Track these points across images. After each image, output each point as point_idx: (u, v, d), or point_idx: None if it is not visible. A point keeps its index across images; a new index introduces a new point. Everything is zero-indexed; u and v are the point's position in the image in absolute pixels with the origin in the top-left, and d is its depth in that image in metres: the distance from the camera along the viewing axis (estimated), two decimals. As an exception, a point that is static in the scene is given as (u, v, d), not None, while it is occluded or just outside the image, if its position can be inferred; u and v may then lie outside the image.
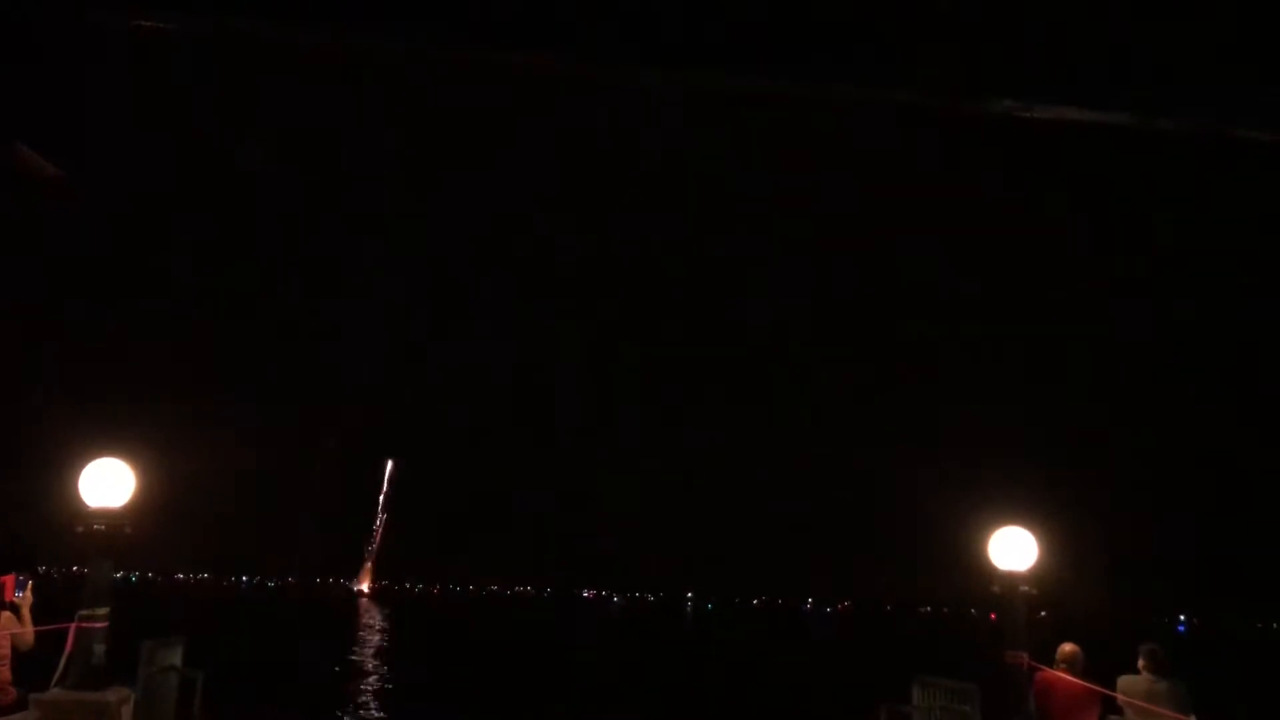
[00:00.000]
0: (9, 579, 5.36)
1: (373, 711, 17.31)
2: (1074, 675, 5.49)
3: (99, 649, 4.99)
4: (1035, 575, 5.32)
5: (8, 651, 5.29)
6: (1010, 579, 5.29)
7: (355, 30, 3.78)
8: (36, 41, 3.99)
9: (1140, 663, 5.52)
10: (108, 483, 5.26)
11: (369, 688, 21.06)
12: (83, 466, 5.24)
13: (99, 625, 5.04)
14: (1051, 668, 5.55)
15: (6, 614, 5.37)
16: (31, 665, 5.33)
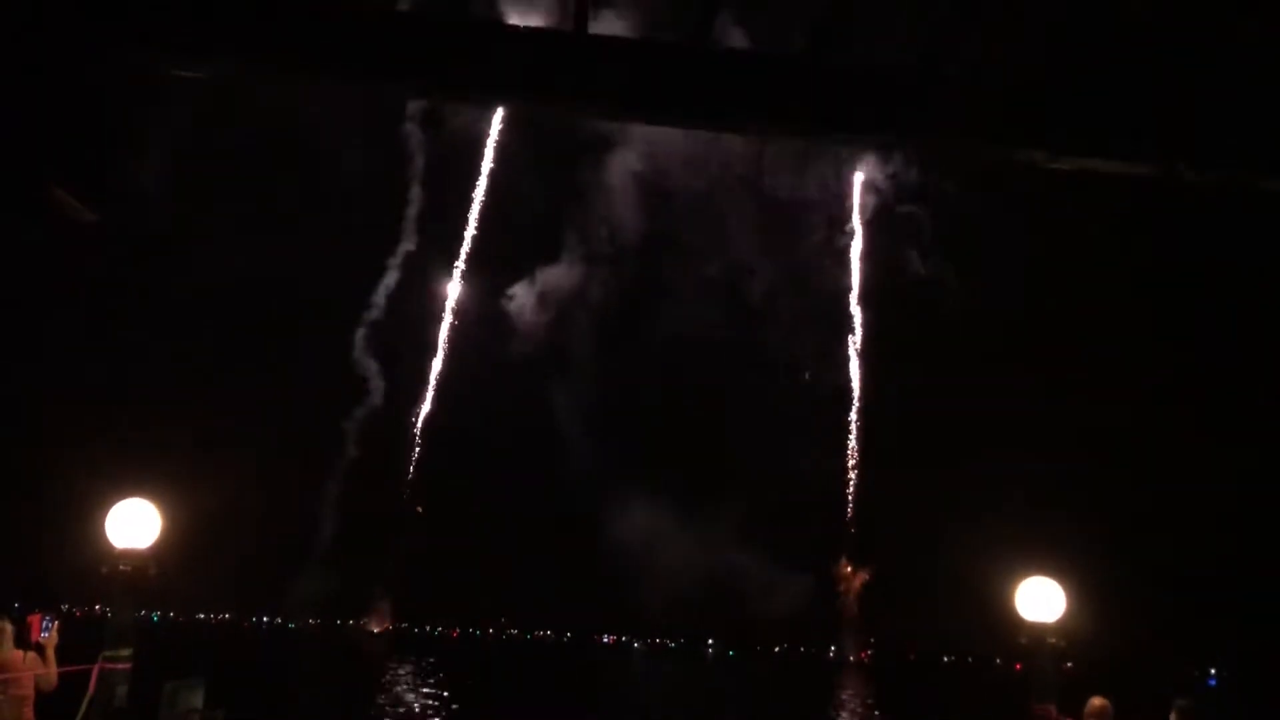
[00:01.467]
0: (35, 619, 5.38)
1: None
2: (1104, 730, 5.40)
3: (121, 691, 4.99)
4: (1063, 626, 5.25)
5: (31, 692, 5.29)
6: (1038, 630, 5.22)
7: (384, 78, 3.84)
8: (74, 89, 4.08)
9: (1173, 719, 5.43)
10: (134, 524, 5.28)
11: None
12: (108, 507, 5.27)
13: (122, 667, 5.04)
14: (1081, 722, 5.47)
15: (31, 654, 5.38)
16: (55, 705, 5.34)
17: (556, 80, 3.78)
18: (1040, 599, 5.29)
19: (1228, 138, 3.70)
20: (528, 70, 3.78)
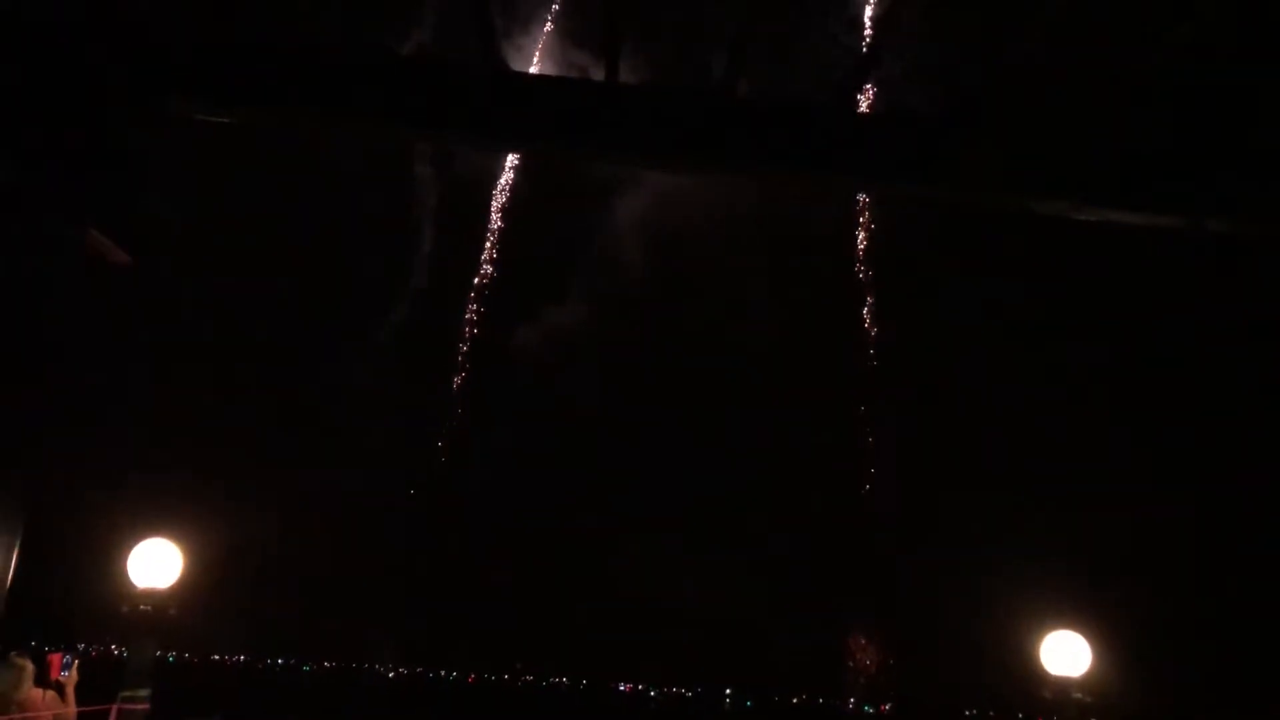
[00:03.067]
0: (55, 658, 5.38)
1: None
2: (1130, 789, 5.30)
3: (139, 730, 4.99)
4: (1090, 681, 5.18)
5: (51, 731, 5.28)
6: (1062, 685, 5.15)
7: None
8: (109, 131, 4.15)
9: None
10: (155, 563, 5.30)
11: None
12: (129, 546, 5.30)
13: (140, 707, 5.04)
14: (1106, 780, 5.37)
15: (51, 693, 5.38)
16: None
17: (588, 128, 3.83)
18: (1065, 652, 5.22)
19: (1255, 190, 3.70)
20: (561, 118, 3.83)
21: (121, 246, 4.07)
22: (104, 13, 4.01)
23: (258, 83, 3.84)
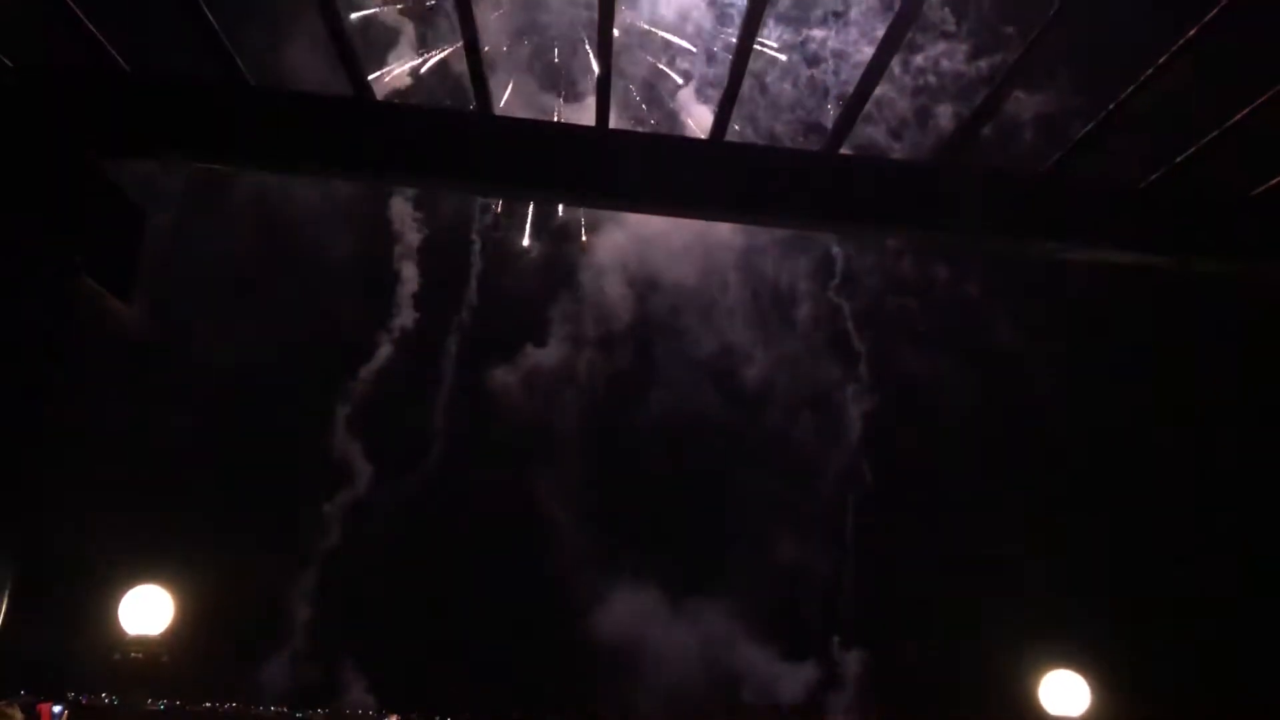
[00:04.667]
0: (45, 707, 5.36)
1: None
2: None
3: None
4: (1088, 721, 5.17)
5: (39, 782, 5.23)
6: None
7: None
8: (105, 180, 4.19)
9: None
10: (147, 610, 5.27)
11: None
12: (120, 593, 5.27)
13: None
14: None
15: (40, 743, 5.34)
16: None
17: (578, 173, 3.87)
18: (1064, 692, 5.20)
19: (1242, 228, 3.75)
20: (551, 163, 3.87)
21: (115, 294, 4.10)
22: (92, 58, 4.04)
23: (246, 131, 3.87)
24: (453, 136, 3.93)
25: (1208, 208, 3.89)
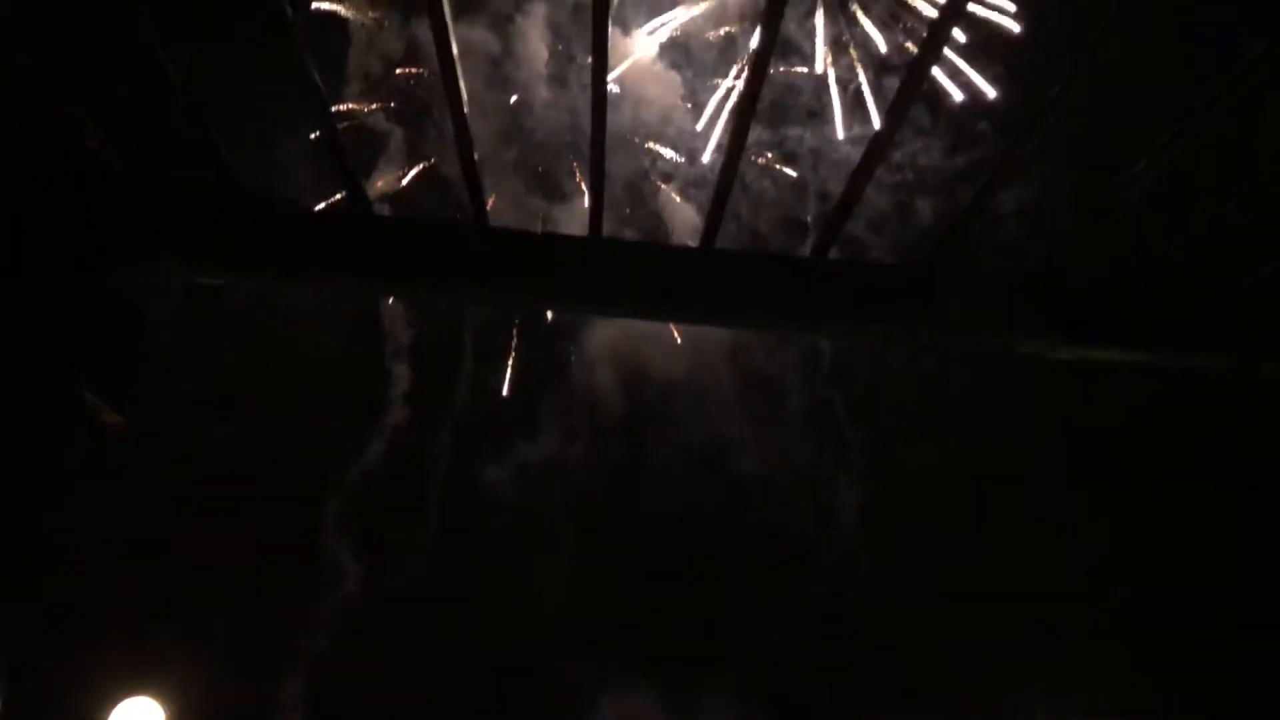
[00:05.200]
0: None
1: None
2: None
3: None
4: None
5: None
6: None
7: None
8: (102, 291, 4.25)
9: None
10: (138, 724, 5.20)
11: None
12: (110, 705, 5.20)
13: None
14: None
15: None
16: None
17: (573, 281, 3.95)
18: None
19: (1226, 326, 3.83)
20: (548, 272, 3.95)
21: (114, 406, 4.14)
22: (97, 169, 4.14)
23: (252, 246, 3.95)
24: (449, 248, 4.02)
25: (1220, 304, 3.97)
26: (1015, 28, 28.81)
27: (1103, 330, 3.85)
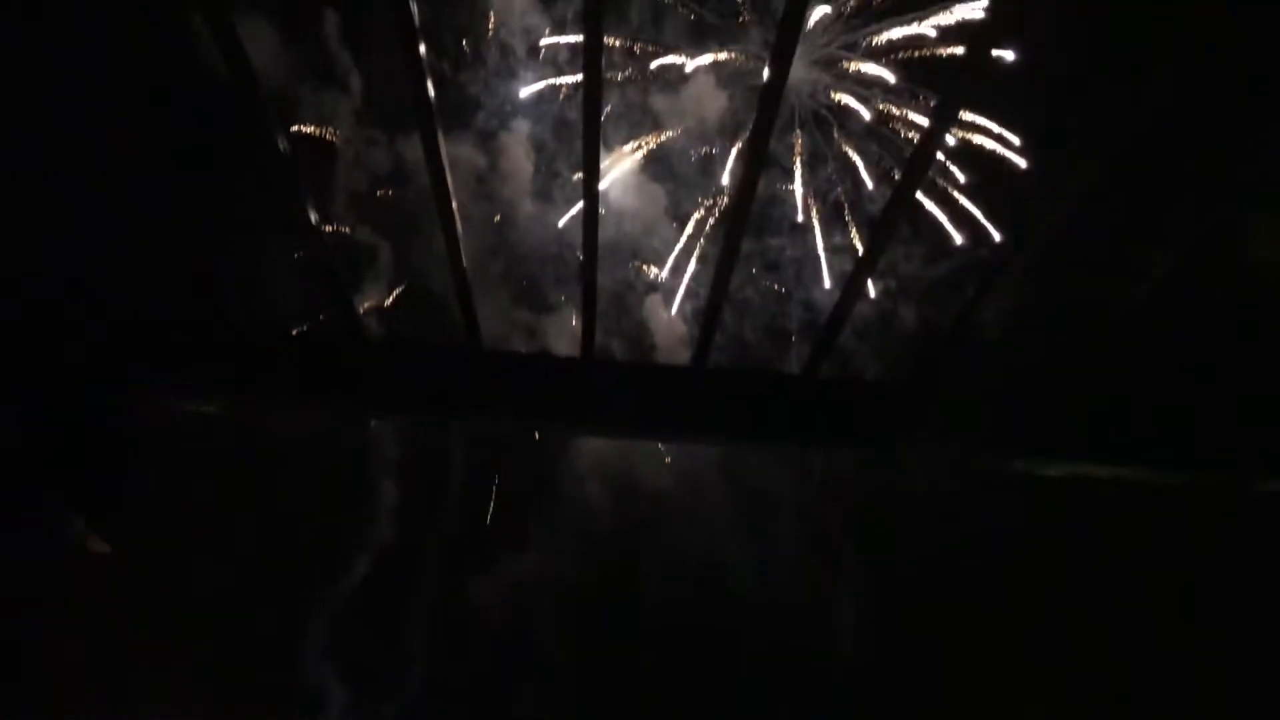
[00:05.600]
0: None
1: None
2: None
3: None
4: None
5: None
6: None
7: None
8: (91, 420, 4.24)
9: None
10: None
11: None
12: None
13: None
14: None
15: None
16: None
17: (566, 405, 3.97)
18: None
19: (1223, 443, 3.85)
20: (539, 394, 3.97)
21: (100, 535, 4.10)
22: (87, 295, 4.17)
23: (243, 373, 3.97)
24: (442, 372, 4.04)
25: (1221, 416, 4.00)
26: (1010, 158, 29.49)
27: (1096, 446, 3.87)
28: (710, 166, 34.77)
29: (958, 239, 30.10)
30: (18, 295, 4.05)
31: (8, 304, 4.01)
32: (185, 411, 4.23)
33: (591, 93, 2.98)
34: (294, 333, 4.27)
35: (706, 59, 33.17)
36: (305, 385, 4.00)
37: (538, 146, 35.46)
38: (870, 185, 32.74)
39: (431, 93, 3.08)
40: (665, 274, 35.22)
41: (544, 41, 33.44)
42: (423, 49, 2.92)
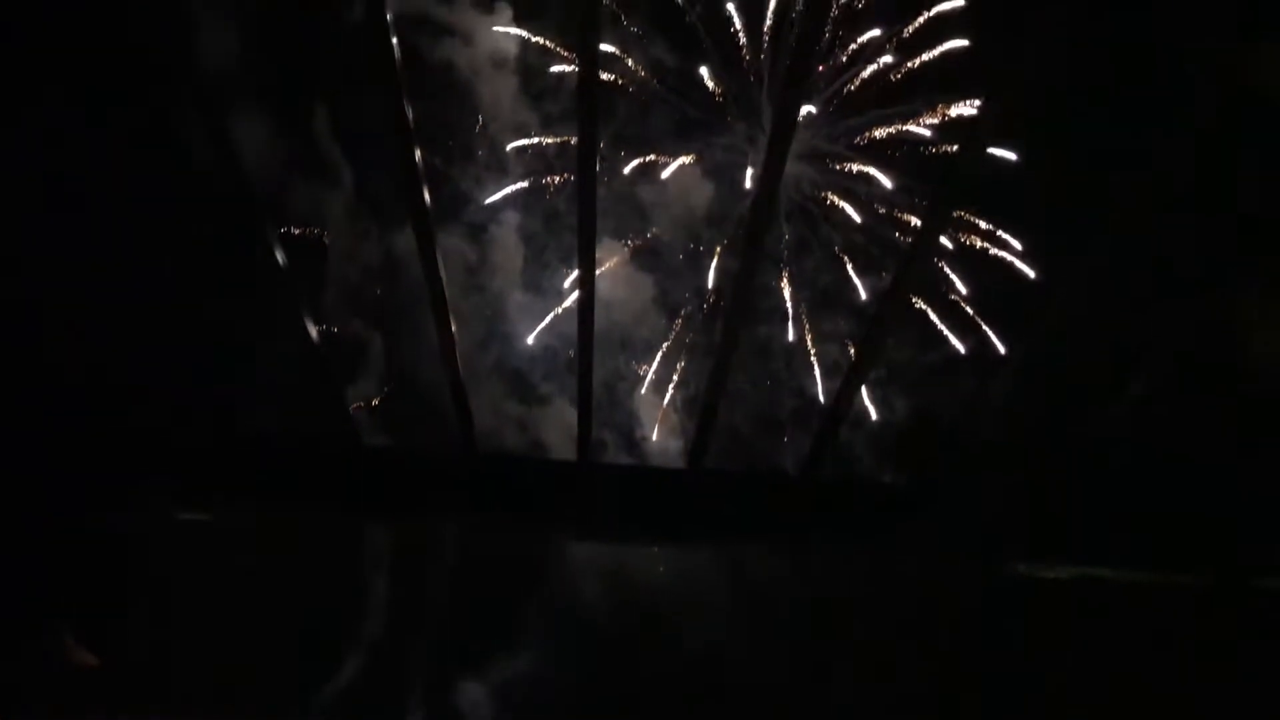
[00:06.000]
0: None
1: None
2: None
3: None
4: None
5: None
6: None
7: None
8: (81, 532, 4.19)
9: None
10: None
11: None
12: None
13: None
14: None
15: None
16: None
17: (563, 509, 3.94)
18: None
19: (1223, 541, 3.83)
20: (535, 498, 3.94)
21: (88, 648, 4.03)
22: (84, 412, 4.14)
23: (238, 481, 3.93)
24: (437, 476, 4.01)
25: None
26: (1010, 260, 29.73)
27: (1099, 549, 3.84)
28: (697, 257, 35.12)
29: (958, 345, 30.12)
30: (11, 403, 4.04)
31: (9, 419, 3.99)
32: (178, 519, 4.19)
33: (586, 219, 3.02)
34: (289, 438, 4.24)
35: (689, 158, 33.69)
36: (300, 492, 3.97)
37: (527, 238, 35.80)
38: (857, 280, 33.03)
39: (427, 199, 3.10)
40: (656, 365, 35.31)
41: (528, 142, 33.98)
42: (418, 154, 2.96)
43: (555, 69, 34.21)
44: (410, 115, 2.83)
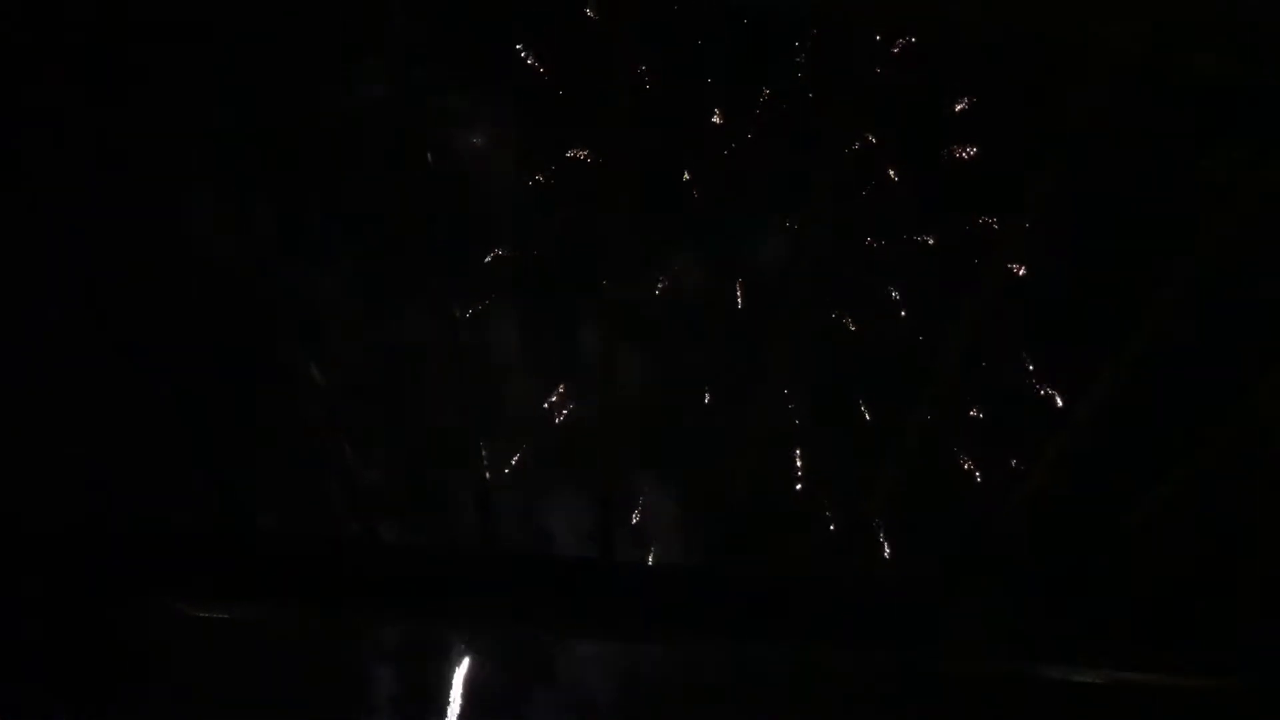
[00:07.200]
0: None
1: None
2: None
3: None
4: None
5: None
6: None
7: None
8: (86, 622, 4.12)
9: None
10: None
11: None
12: None
13: None
14: None
15: None
16: None
17: (581, 608, 3.85)
18: None
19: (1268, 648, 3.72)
20: (556, 598, 3.86)
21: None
22: (91, 510, 4.10)
23: (249, 579, 3.87)
24: (453, 572, 3.94)
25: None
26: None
27: (1138, 652, 3.73)
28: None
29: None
30: (26, 500, 3.99)
31: (15, 508, 3.94)
32: (189, 618, 4.11)
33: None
34: (303, 535, 4.18)
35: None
36: (315, 590, 3.90)
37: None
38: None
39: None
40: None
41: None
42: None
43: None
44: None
